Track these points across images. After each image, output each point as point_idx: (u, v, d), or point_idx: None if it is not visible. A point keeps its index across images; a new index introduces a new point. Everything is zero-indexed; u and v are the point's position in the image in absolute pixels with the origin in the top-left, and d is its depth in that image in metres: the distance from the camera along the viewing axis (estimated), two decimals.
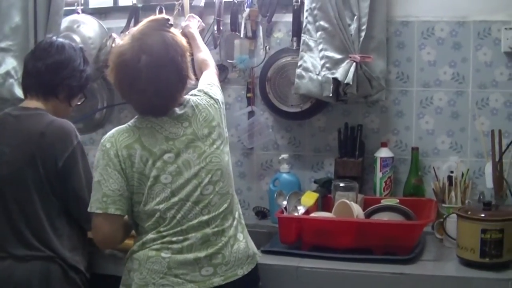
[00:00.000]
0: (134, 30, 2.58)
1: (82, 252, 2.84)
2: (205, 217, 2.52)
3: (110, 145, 2.53)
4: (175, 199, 2.50)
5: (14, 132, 2.78)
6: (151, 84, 2.48)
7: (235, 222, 2.61)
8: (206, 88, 2.80)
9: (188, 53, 2.61)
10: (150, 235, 2.51)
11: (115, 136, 2.56)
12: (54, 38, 3.00)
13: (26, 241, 2.70)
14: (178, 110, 2.61)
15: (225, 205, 2.57)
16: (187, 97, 2.68)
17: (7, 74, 3.50)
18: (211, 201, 2.54)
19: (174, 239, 2.49)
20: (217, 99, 2.75)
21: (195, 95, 2.73)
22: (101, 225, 2.53)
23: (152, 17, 2.64)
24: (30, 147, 2.72)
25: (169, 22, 2.59)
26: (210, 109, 2.67)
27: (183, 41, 2.61)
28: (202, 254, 2.49)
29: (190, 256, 2.48)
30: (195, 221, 2.50)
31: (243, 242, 2.60)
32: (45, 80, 2.86)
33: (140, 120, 2.60)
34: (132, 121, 2.62)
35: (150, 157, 2.51)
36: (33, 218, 2.71)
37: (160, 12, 3.57)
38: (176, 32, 2.62)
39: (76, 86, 2.94)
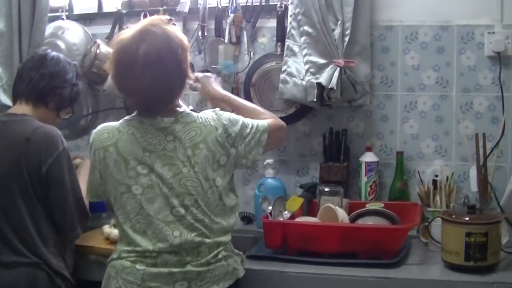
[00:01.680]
0: (134, 25, 2.53)
1: (68, 259, 2.85)
2: (177, 241, 2.45)
3: (92, 140, 2.58)
4: (144, 213, 2.46)
5: (0, 138, 2.78)
6: (149, 70, 2.42)
7: (213, 243, 2.52)
8: (225, 113, 2.64)
9: (188, 51, 2.55)
10: (126, 247, 2.50)
11: (98, 133, 2.57)
12: (49, 51, 3.06)
13: (12, 247, 2.70)
14: (166, 121, 2.51)
15: (199, 232, 2.48)
16: (186, 110, 2.60)
17: None
18: (182, 223, 2.47)
19: (147, 254, 2.46)
20: (224, 124, 2.56)
21: (204, 112, 2.62)
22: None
23: (153, 16, 2.60)
24: (15, 153, 2.72)
25: (172, 22, 2.59)
26: (203, 129, 2.52)
27: (184, 38, 2.54)
28: (176, 269, 2.45)
29: (164, 270, 2.44)
30: (167, 244, 2.45)
31: (222, 260, 2.53)
32: (38, 87, 2.89)
33: (124, 124, 2.56)
34: (119, 121, 2.59)
35: (123, 165, 2.48)
36: (19, 224, 2.71)
37: (145, 17, 3.55)
38: (177, 29, 2.57)
39: (66, 98, 2.96)
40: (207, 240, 2.49)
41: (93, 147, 2.55)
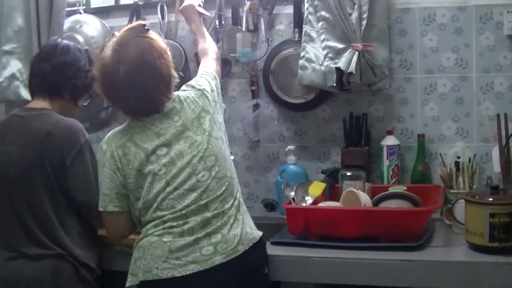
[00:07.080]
0: (114, 39, 2.64)
1: (93, 249, 2.87)
2: (204, 201, 2.57)
3: (106, 147, 2.67)
4: (170, 188, 2.57)
5: (21, 133, 2.79)
6: (131, 91, 2.59)
7: (236, 202, 2.67)
8: (194, 81, 2.87)
9: (167, 53, 2.69)
10: (153, 223, 2.58)
11: (110, 137, 2.70)
12: (59, 40, 3.02)
13: (37, 239, 2.72)
14: (167, 107, 2.68)
15: (224, 188, 2.63)
16: (176, 93, 2.75)
17: (12, 76, 3.51)
18: (209, 186, 2.59)
19: (174, 223, 2.54)
20: (203, 89, 2.81)
21: (184, 90, 2.81)
22: (105, 221, 2.74)
23: (128, 26, 2.74)
24: (37, 147, 2.73)
25: (145, 28, 2.67)
26: (198, 100, 2.74)
27: (160, 43, 2.68)
28: (201, 234, 2.53)
29: (190, 238, 2.52)
30: (193, 206, 2.56)
31: (241, 221, 2.64)
32: (51, 80, 2.88)
33: (132, 120, 2.71)
34: (126, 122, 2.73)
35: (143, 153, 2.60)
36: (43, 217, 2.73)
37: (161, 9, 3.63)
38: (154, 35, 2.69)
39: (81, 86, 2.95)
40: (229, 198, 2.64)
41: (110, 150, 2.66)
